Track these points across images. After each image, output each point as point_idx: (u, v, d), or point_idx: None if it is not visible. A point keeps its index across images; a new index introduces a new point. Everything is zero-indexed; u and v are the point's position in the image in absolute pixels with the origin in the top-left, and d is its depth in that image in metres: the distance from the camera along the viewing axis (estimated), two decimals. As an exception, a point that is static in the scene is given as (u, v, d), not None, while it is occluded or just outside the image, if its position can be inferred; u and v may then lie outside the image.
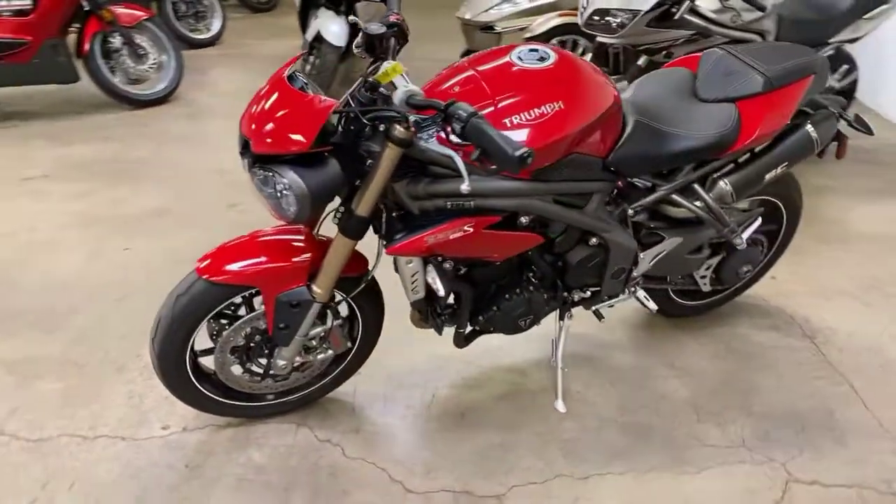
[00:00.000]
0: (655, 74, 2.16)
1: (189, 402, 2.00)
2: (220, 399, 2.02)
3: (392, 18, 1.76)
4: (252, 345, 1.96)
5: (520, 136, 1.61)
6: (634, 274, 2.16)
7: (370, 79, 1.61)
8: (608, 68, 3.96)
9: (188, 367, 1.90)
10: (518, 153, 1.35)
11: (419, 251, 1.70)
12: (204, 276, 1.75)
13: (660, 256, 2.13)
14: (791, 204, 2.43)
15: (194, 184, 3.87)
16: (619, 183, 2.00)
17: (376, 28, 1.69)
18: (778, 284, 2.89)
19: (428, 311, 1.97)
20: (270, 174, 1.54)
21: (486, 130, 1.40)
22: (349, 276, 1.86)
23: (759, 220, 2.26)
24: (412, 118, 1.53)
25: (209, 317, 1.83)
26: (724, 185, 2.02)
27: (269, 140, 1.51)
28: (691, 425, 2.16)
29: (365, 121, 1.56)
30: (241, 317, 1.89)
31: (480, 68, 1.74)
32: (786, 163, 2.07)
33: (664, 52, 3.44)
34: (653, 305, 2.19)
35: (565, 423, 2.16)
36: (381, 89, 1.63)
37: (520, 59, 1.72)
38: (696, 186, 2.04)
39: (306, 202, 1.53)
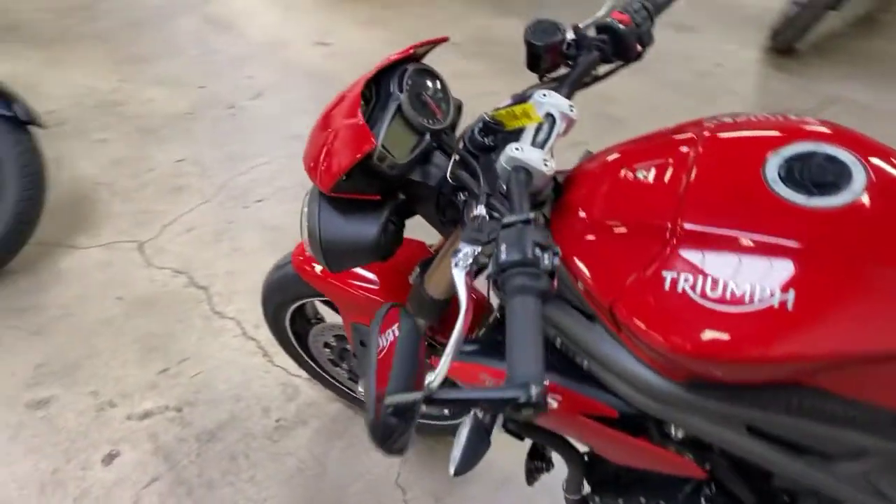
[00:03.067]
0: None
1: (299, 366, 1.81)
2: (323, 374, 1.78)
3: (614, 15, 1.02)
4: (345, 348, 1.63)
5: (674, 316, 0.82)
6: None
7: (489, 115, 0.97)
8: None
9: (292, 339, 1.68)
10: (515, 390, 0.65)
11: (466, 380, 1.09)
12: (293, 265, 1.44)
13: None
14: None
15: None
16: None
17: (549, 33, 1.00)
18: None
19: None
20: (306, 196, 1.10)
21: (515, 308, 0.71)
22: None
23: None
24: (479, 208, 0.88)
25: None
26: None
27: (305, 160, 1.06)
28: None
29: (449, 178, 0.98)
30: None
31: (705, 150, 0.91)
32: None
33: None
34: None
35: None
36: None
37: (784, 170, 0.83)
38: None
39: (315, 245, 1.06)
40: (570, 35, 1.03)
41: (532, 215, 0.79)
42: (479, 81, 3.49)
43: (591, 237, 0.93)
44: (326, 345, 1.64)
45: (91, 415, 1.85)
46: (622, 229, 0.90)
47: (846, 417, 0.86)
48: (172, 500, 1.66)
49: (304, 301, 1.55)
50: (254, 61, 3.68)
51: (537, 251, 0.74)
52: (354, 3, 4.34)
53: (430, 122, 1.03)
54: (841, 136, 0.87)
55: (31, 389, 1.91)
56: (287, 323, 1.62)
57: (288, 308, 1.57)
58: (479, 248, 0.83)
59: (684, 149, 0.92)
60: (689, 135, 0.95)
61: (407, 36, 3.91)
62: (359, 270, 1.35)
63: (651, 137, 1.01)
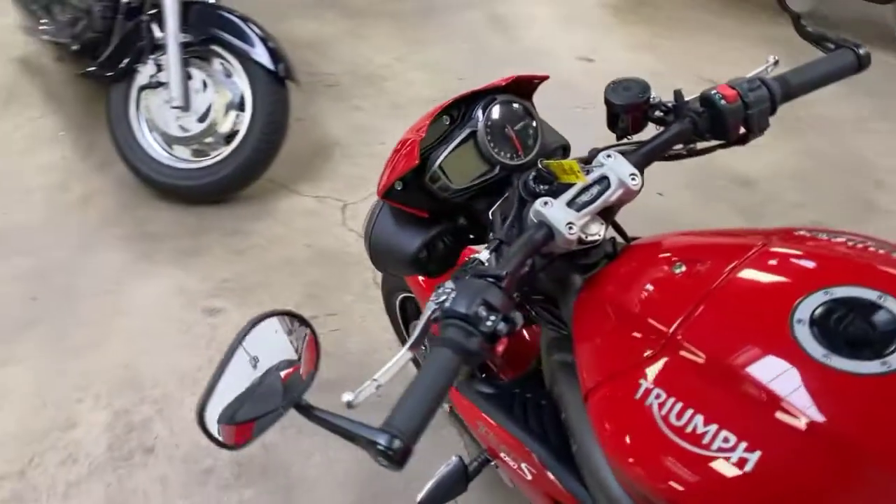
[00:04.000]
0: None
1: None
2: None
3: (720, 88, 0.91)
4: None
5: (628, 428, 0.73)
6: None
7: (543, 163, 0.93)
8: None
9: (399, 322, 1.76)
10: (380, 435, 0.66)
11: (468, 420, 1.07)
12: None
13: None
14: None
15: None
16: None
17: (631, 93, 0.93)
18: None
19: None
20: None
21: (432, 357, 0.71)
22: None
23: None
24: (484, 252, 0.86)
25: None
26: None
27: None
28: None
29: (490, 214, 0.98)
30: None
31: (751, 264, 0.78)
32: None
33: None
34: None
35: None
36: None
37: (820, 313, 0.68)
38: None
39: (366, 240, 1.13)
40: (660, 98, 0.94)
41: (504, 273, 0.76)
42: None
43: (602, 317, 0.85)
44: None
45: (243, 335, 2.12)
46: (629, 320, 0.81)
47: None
48: (271, 431, 1.85)
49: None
50: (515, 63, 3.79)
51: (482, 310, 0.71)
52: (633, 26, 4.24)
53: (507, 155, 1.02)
54: None
55: (211, 298, 2.25)
56: (397, 306, 1.71)
57: (398, 294, 1.66)
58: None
59: (734, 256, 0.80)
60: (754, 243, 0.81)
61: (673, 69, 3.75)
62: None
63: (723, 233, 0.89)
